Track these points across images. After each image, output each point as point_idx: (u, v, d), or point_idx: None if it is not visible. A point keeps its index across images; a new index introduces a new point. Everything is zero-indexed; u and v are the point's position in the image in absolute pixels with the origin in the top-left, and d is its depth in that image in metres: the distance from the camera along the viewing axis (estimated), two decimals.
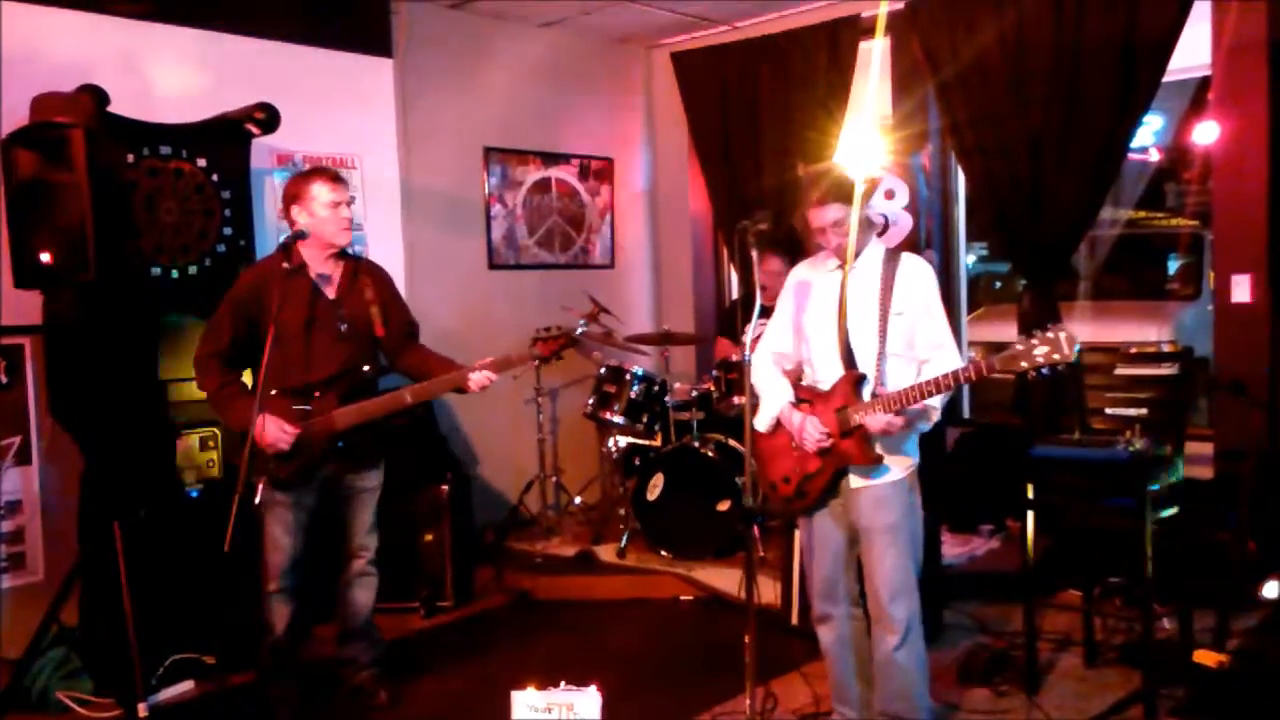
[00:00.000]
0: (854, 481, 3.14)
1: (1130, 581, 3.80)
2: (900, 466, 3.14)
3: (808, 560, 3.34)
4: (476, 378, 3.58)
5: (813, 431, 3.11)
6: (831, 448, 3.11)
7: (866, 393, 3.05)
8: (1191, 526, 3.84)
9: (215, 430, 4.30)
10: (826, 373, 3.16)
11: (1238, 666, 3.27)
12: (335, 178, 3.64)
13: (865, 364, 3.08)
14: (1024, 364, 2.77)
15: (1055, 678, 3.83)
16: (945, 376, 2.89)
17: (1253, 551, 4.19)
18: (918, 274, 3.14)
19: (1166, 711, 3.47)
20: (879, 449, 3.08)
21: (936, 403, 3.01)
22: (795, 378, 3.31)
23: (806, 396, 3.21)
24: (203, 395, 3.66)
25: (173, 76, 4.67)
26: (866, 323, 3.10)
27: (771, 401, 3.27)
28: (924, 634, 3.20)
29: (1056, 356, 2.72)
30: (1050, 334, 2.74)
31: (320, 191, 3.57)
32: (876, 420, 2.98)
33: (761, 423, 3.29)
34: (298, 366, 3.57)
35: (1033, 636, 3.81)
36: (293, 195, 3.61)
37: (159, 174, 4.04)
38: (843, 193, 3.09)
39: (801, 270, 3.33)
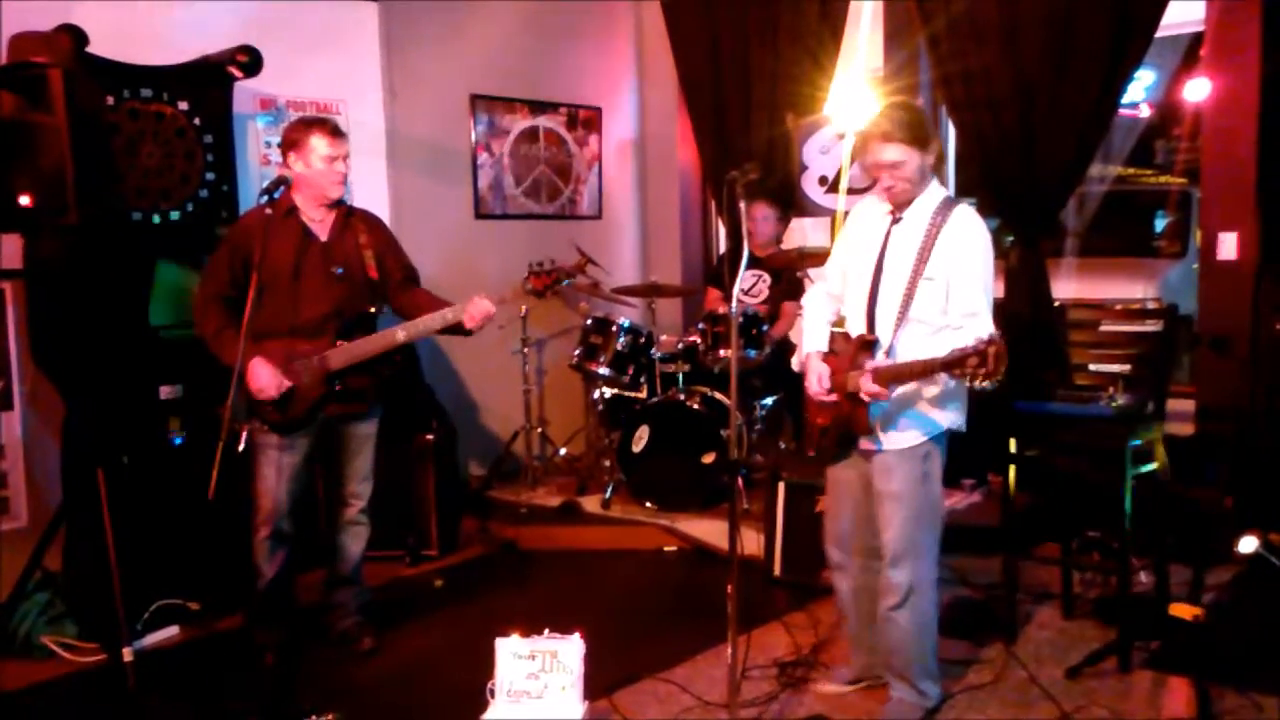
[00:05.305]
0: (863, 444, 3.09)
1: (1109, 536, 3.84)
2: (911, 436, 3.03)
3: (828, 506, 3.30)
4: (475, 307, 3.56)
5: (816, 385, 3.08)
6: (836, 405, 3.06)
7: (876, 358, 2.95)
8: (1170, 482, 3.88)
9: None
10: (855, 326, 3.08)
11: (1212, 620, 3.32)
12: (335, 131, 3.61)
13: (884, 327, 2.97)
14: (957, 373, 2.66)
15: (1033, 629, 3.87)
16: (923, 361, 2.78)
17: (1229, 507, 4.25)
18: (962, 233, 2.92)
19: (1141, 663, 3.52)
20: (879, 420, 2.99)
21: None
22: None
23: (835, 346, 3.15)
24: (188, 337, 3.63)
25: (153, 18, 4.56)
26: (896, 283, 2.96)
27: (805, 345, 3.23)
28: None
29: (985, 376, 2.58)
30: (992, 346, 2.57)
31: (319, 144, 3.55)
32: (864, 389, 2.89)
33: (795, 363, 3.26)
34: (289, 308, 3.57)
35: (1012, 589, 3.85)
36: (291, 142, 3.59)
37: (140, 117, 3.97)
38: (910, 134, 2.88)
39: (863, 207, 3.17)
